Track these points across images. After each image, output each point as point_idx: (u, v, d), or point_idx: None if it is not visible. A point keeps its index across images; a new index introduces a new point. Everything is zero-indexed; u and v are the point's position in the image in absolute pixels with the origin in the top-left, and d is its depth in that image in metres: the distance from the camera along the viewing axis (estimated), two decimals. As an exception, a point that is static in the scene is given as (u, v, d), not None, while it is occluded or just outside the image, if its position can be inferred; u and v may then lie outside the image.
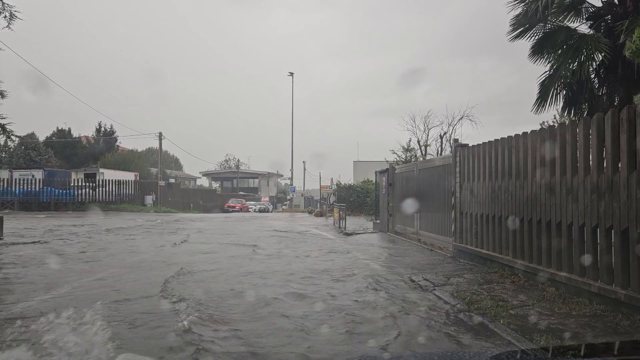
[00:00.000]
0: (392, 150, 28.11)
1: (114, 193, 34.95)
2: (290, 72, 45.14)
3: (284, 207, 54.42)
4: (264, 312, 5.75)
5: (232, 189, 70.23)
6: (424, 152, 27.11)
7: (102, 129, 52.74)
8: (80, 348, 4.04)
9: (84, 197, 33.24)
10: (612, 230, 5.65)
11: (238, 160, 77.49)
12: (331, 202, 30.34)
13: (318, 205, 41.04)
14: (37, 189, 32.00)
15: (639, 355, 1.82)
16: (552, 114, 23.52)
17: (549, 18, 9.84)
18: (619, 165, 5.60)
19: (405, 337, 5.04)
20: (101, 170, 39.08)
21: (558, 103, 10.05)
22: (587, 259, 6.08)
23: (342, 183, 36.12)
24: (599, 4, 10.02)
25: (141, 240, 14.23)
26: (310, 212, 35.41)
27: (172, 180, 49.55)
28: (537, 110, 10.17)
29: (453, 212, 10.36)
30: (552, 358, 1.81)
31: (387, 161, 25.45)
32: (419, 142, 27.68)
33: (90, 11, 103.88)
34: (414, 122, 29.02)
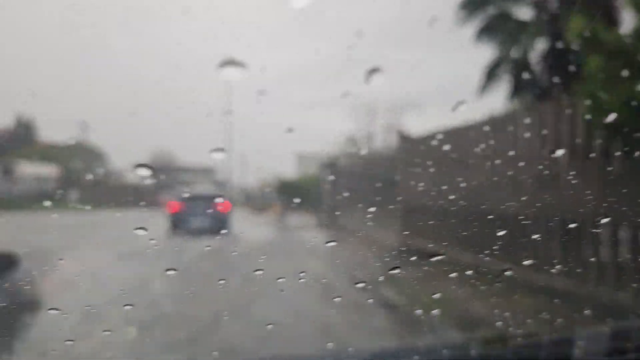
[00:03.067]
0: (336, 143, 27.69)
1: (32, 189, 32.48)
2: (226, 61, 43.62)
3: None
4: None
5: (165, 184, 67.99)
6: (368, 144, 26.98)
7: (21, 119, 49.10)
8: None
9: (-3, 193, 30.70)
10: (553, 221, 5.82)
11: (171, 155, 75.12)
12: (272, 198, 29.72)
13: (258, 201, 40.31)
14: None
15: None
16: (495, 102, 24.12)
17: (493, 4, 9.85)
18: (560, 155, 5.62)
19: (344, 340, 4.72)
20: (17, 164, 36.26)
21: (501, 89, 10.20)
22: (528, 251, 6.03)
23: (284, 177, 35.48)
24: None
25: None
26: (250, 208, 34.60)
27: (99, 175, 46.97)
28: (480, 96, 10.31)
29: (397, 205, 10.19)
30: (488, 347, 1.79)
31: (330, 154, 25.08)
32: (364, 133, 27.46)
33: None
34: (359, 113, 28.54)
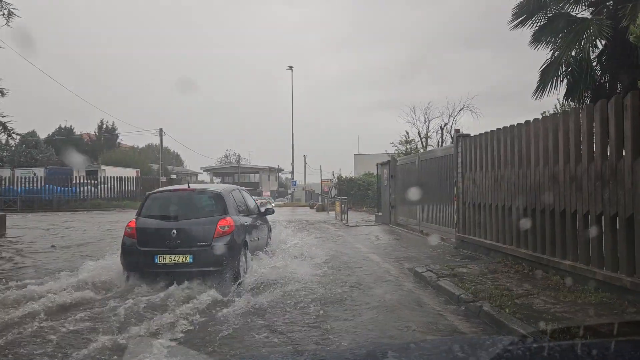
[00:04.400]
0: (393, 143, 27.92)
1: (115, 190, 34.87)
2: (289, 66, 44.81)
3: (282, 200, 52.82)
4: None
5: (233, 184, 69.82)
6: (424, 144, 26.98)
7: (104, 126, 52.64)
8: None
9: (86, 194, 33.17)
10: (617, 218, 5.59)
11: (238, 156, 77.17)
12: (332, 196, 30.24)
13: (319, 199, 40.88)
14: (39, 187, 31.92)
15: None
16: (552, 103, 23.31)
17: (550, 5, 9.75)
18: (623, 152, 5.53)
19: (410, 329, 5.04)
20: (102, 167, 38.97)
21: (559, 90, 10.00)
22: (591, 247, 6.02)
23: (343, 176, 35.96)
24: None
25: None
26: (311, 207, 35.29)
27: (173, 177, 49.46)
28: (537, 97, 10.09)
29: (455, 203, 10.29)
30: (553, 341, 1.79)
31: (387, 153, 25.34)
32: (419, 133, 27.50)
33: (89, 7, 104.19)
34: (414, 114, 28.67)
